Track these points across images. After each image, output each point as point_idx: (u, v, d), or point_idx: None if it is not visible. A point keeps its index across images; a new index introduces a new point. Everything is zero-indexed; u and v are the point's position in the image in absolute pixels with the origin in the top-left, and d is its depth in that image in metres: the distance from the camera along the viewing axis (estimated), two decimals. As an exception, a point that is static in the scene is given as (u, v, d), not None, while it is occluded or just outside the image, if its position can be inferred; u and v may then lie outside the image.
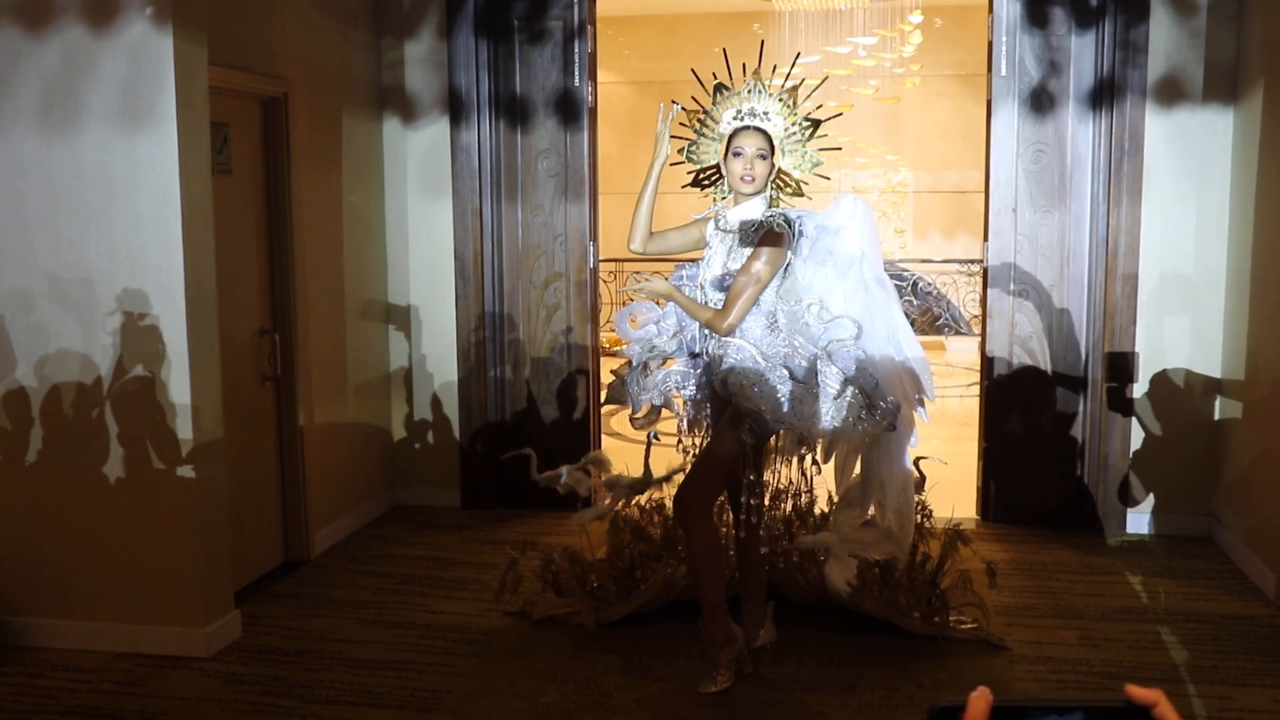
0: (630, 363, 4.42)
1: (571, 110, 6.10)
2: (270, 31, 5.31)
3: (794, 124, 4.10)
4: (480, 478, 6.36)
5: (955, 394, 9.00)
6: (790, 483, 4.53)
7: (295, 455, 5.51)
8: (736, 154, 3.99)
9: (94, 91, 4.39)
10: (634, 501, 4.86)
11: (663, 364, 4.36)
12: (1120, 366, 5.78)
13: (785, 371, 3.93)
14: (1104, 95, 5.65)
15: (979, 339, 6.24)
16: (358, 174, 6.13)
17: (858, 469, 4.08)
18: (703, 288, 4.08)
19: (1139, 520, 5.89)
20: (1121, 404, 5.80)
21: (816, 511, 4.79)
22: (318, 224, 5.68)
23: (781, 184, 4.15)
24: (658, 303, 4.35)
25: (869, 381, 3.88)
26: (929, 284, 9.84)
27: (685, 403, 4.41)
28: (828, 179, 4.22)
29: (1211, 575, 5.31)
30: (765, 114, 4.06)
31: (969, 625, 4.58)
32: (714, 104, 4.15)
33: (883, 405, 3.87)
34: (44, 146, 4.44)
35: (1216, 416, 5.74)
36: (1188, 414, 5.81)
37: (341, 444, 5.95)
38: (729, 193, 4.13)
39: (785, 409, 3.89)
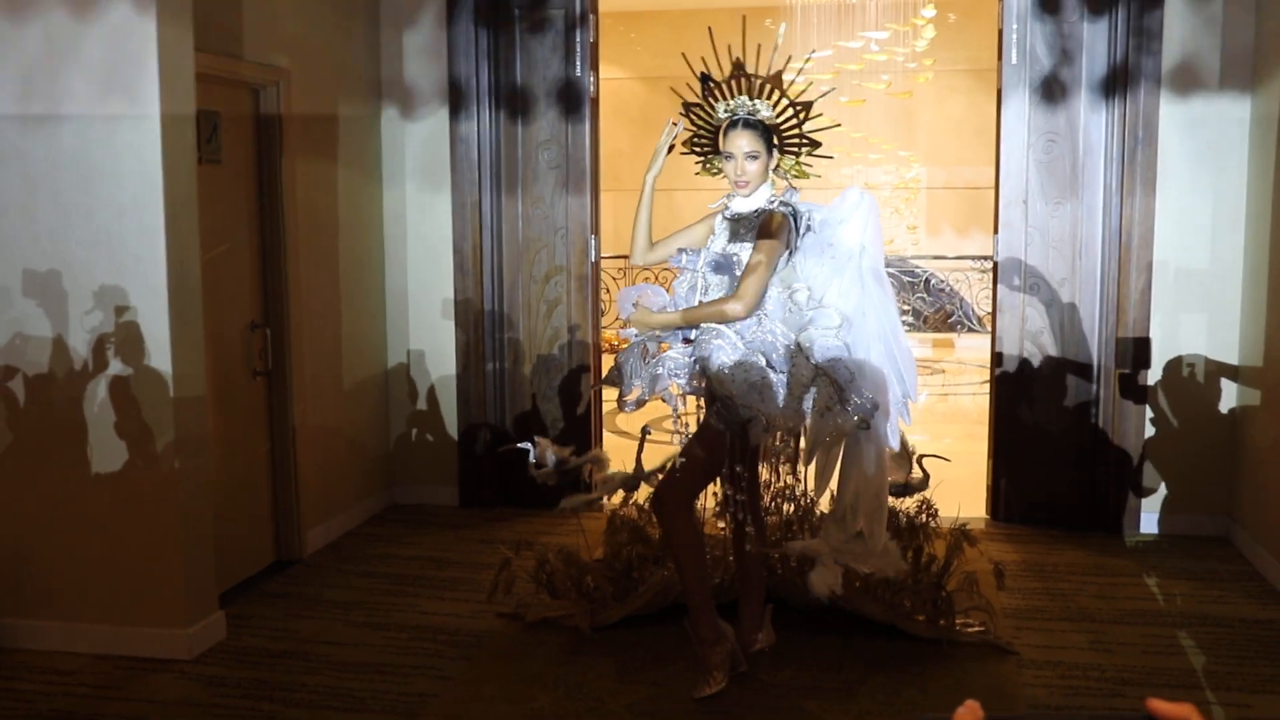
0: (629, 343, 4.25)
1: (573, 101, 5.92)
2: (263, 18, 5.13)
3: (785, 109, 3.93)
4: (479, 476, 6.17)
5: (968, 391, 8.79)
6: (788, 485, 4.37)
7: (287, 452, 5.34)
8: (728, 157, 3.86)
9: (76, 76, 4.23)
10: (631, 501, 4.66)
11: (659, 348, 4.20)
12: (1134, 362, 5.56)
13: (761, 358, 3.76)
14: (1117, 83, 5.42)
15: (991, 335, 6.03)
16: (354, 165, 5.95)
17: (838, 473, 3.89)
18: (704, 275, 3.94)
19: (1153, 520, 5.66)
20: (1135, 400, 5.58)
21: (817, 514, 4.60)
22: (312, 216, 5.50)
23: (789, 165, 4.01)
24: (668, 289, 4.16)
25: (844, 374, 3.69)
26: (942, 281, 9.62)
27: (680, 393, 4.24)
28: (819, 176, 4.05)
29: (1228, 577, 5.09)
30: (754, 105, 3.90)
31: (975, 629, 4.38)
32: (702, 95, 4.03)
33: (856, 400, 3.67)
34: (21, 134, 4.28)
35: (1233, 412, 5.52)
36: (1204, 410, 5.58)
37: (336, 441, 5.78)
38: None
39: (754, 395, 3.71)
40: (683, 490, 3.95)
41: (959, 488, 5.95)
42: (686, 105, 4.10)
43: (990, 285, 6.17)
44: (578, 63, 5.85)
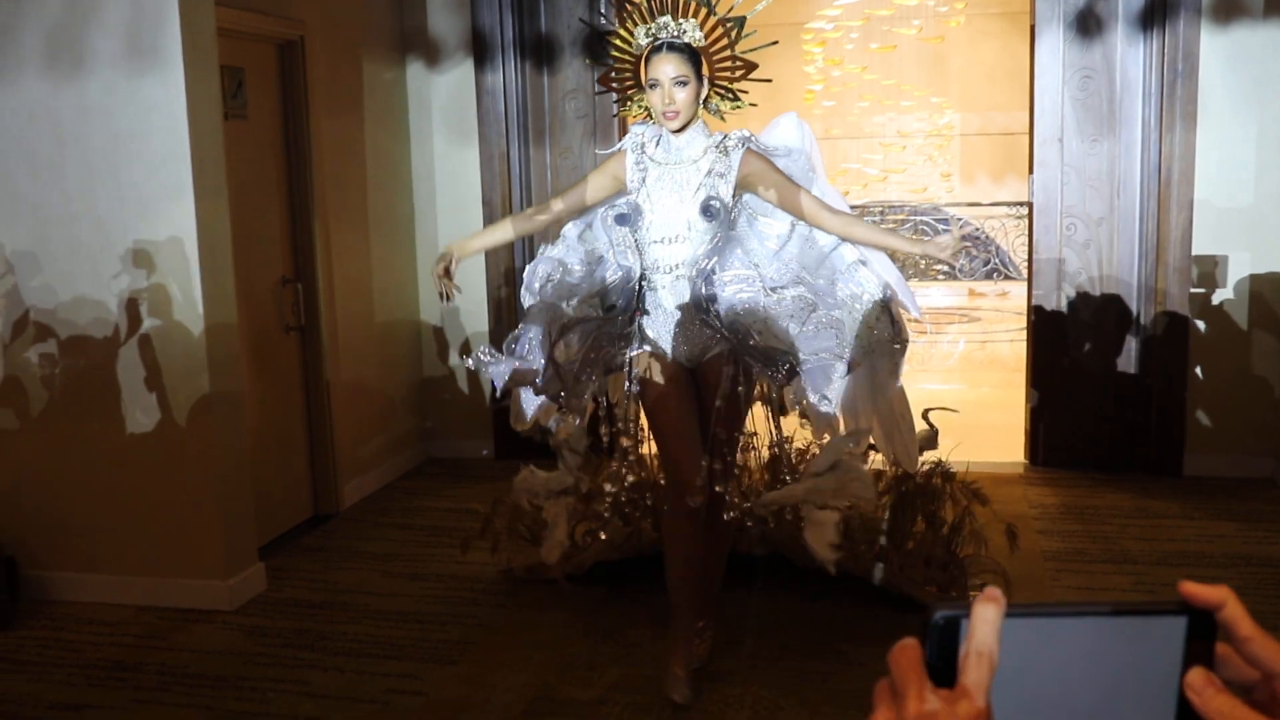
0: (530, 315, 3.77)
1: (599, 49, 5.83)
2: None
3: (714, 29, 3.50)
4: (514, 429, 6.15)
5: (1006, 339, 8.67)
6: (756, 433, 4.10)
7: (322, 407, 5.34)
8: (652, 85, 3.40)
9: (99, 35, 4.23)
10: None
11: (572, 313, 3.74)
12: (1175, 301, 5.44)
13: (807, 298, 3.51)
14: (1155, 14, 5.26)
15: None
16: (380, 119, 5.92)
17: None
18: (688, 223, 3.50)
19: (1197, 461, 5.55)
20: (1178, 340, 5.47)
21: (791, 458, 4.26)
22: (340, 170, 5.48)
23: (720, 94, 3.57)
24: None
25: (887, 293, 3.54)
26: (977, 228, 9.49)
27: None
28: (754, 105, 3.60)
29: (1274, 518, 4.99)
30: (680, 26, 3.44)
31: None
32: (620, 22, 3.61)
33: (895, 321, 3.53)
34: (51, 92, 4.29)
35: (1278, 352, 5.40)
36: (1248, 350, 5.46)
37: (370, 395, 5.78)
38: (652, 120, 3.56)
39: (829, 339, 3.46)
40: (728, 467, 3.65)
41: (997, 434, 5.90)
42: (598, 33, 3.82)
43: (1026, 231, 6.05)
44: (603, 9, 5.77)
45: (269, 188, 5.10)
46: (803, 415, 3.67)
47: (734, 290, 3.47)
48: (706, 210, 3.44)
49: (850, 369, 3.53)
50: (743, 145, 3.49)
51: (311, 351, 5.30)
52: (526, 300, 3.79)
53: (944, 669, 0.63)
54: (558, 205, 3.73)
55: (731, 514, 3.70)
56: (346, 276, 5.53)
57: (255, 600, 4.45)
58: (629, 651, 3.88)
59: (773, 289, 3.53)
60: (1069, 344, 5.62)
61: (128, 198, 4.28)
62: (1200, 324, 5.48)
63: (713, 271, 3.47)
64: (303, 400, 5.31)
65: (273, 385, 5.10)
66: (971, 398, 7.03)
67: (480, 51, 5.92)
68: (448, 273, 3.73)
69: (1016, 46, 8.45)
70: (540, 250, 3.85)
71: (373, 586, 4.56)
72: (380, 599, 4.43)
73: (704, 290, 3.47)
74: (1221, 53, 5.27)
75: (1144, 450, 5.57)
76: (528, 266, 3.81)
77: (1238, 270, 5.41)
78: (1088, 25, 5.37)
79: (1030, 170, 5.59)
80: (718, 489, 3.55)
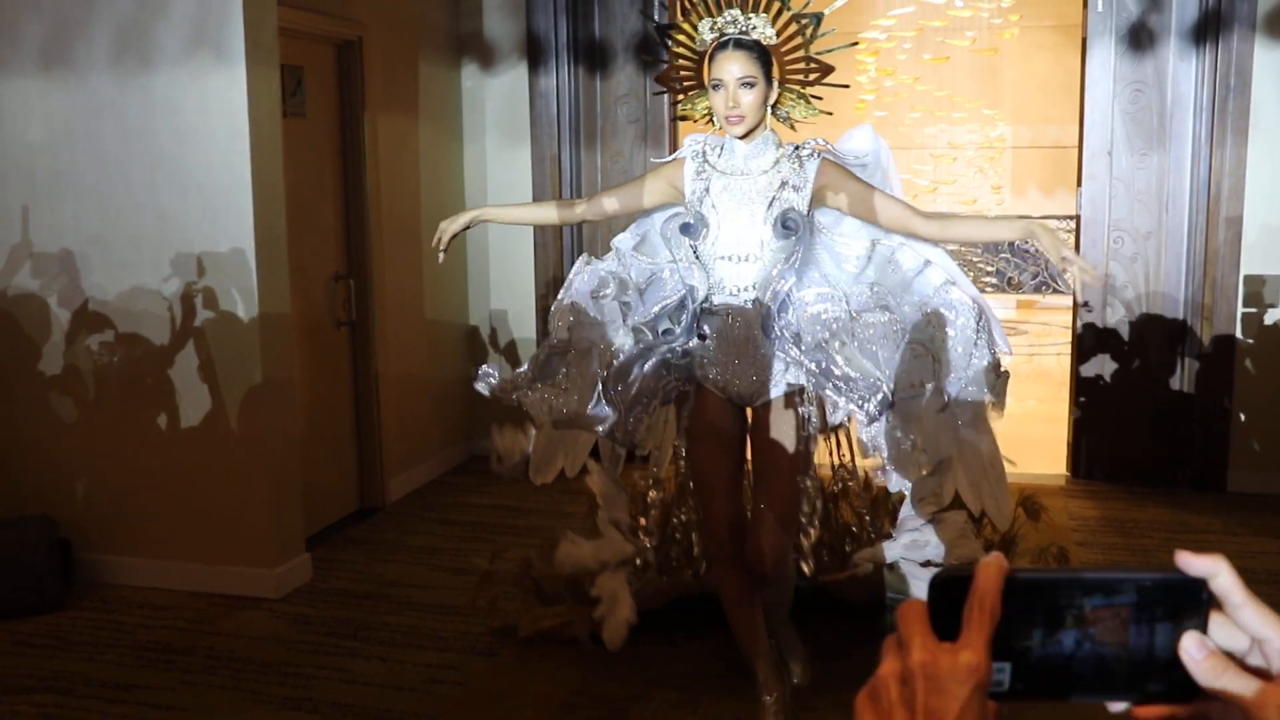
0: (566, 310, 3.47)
1: (651, 55, 5.89)
2: None
3: (788, 25, 3.17)
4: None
5: (1053, 352, 8.63)
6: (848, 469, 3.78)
7: (370, 401, 5.44)
8: (715, 86, 3.07)
9: (165, 32, 4.35)
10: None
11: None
12: (1222, 317, 5.42)
13: (896, 322, 3.17)
14: (1208, 29, 5.24)
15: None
16: (435, 120, 6.02)
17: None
18: (763, 241, 3.14)
19: (1241, 478, 5.50)
20: (1224, 356, 5.43)
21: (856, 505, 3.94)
22: (394, 169, 5.58)
23: (792, 100, 3.26)
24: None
25: (982, 320, 3.15)
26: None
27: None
28: (829, 114, 3.27)
29: (1318, 536, 4.95)
30: (749, 21, 3.11)
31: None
32: (686, 18, 3.28)
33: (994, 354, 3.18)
34: (118, 88, 4.42)
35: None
36: (1295, 368, 5.41)
37: (418, 391, 5.86)
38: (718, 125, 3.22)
39: (905, 374, 3.13)
40: (793, 533, 3.30)
41: (1040, 446, 5.87)
42: (661, 28, 3.50)
43: (1074, 244, 6.03)
44: (655, 15, 5.82)
45: (324, 184, 5.21)
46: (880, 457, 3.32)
47: (816, 309, 3.14)
48: (785, 225, 3.08)
49: (946, 405, 3.17)
50: (818, 154, 3.16)
51: (361, 347, 5.40)
52: (558, 320, 3.48)
53: (948, 625, 0.67)
54: (610, 203, 3.42)
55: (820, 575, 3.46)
56: (397, 274, 5.62)
57: (301, 589, 4.54)
58: (671, 647, 3.92)
59: (857, 312, 3.18)
60: (1113, 357, 5.60)
61: (188, 190, 4.39)
62: (1248, 340, 5.44)
63: (789, 294, 3.13)
64: (351, 395, 5.41)
65: (323, 379, 5.19)
66: (1017, 410, 6.99)
67: (534, 55, 6.00)
68: (454, 235, 3.51)
69: (1069, 59, 8.43)
70: (580, 262, 3.55)
71: (416, 579, 4.63)
72: (424, 591, 4.50)
73: (778, 315, 3.12)
74: (1275, 68, 5.25)
75: (1187, 465, 5.54)
76: (572, 275, 3.50)
77: (1287, 287, 5.37)
78: (1140, 39, 5.36)
79: (1079, 183, 5.58)
80: (769, 552, 3.14)
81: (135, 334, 4.54)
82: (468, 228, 3.52)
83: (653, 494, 3.65)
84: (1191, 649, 0.67)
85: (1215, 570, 0.66)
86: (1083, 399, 5.71)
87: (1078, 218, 5.63)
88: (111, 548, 4.64)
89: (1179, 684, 0.68)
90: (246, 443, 4.49)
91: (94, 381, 4.61)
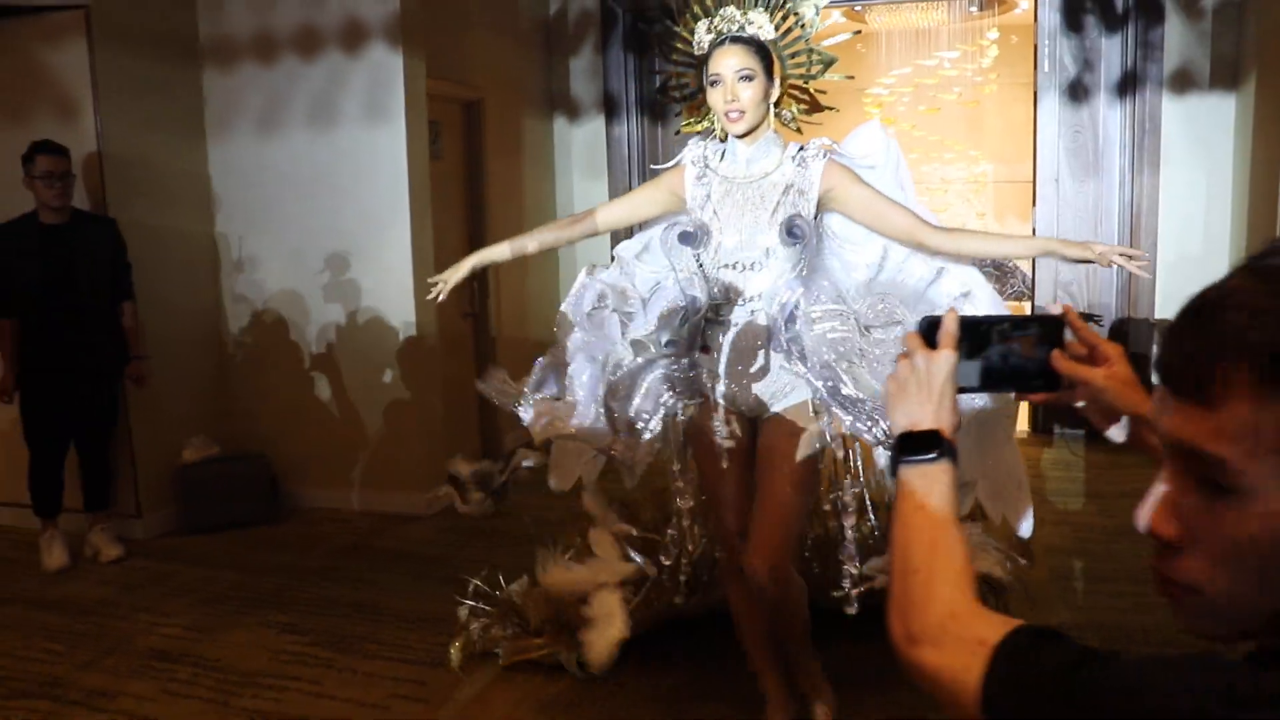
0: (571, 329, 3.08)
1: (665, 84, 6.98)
2: (468, 50, 6.19)
3: (785, 18, 2.82)
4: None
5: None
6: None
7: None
8: (714, 82, 2.72)
9: (346, 99, 5.36)
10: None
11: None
12: (1143, 312, 6.41)
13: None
14: (1128, 86, 6.20)
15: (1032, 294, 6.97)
16: (534, 161, 6.94)
17: None
18: (767, 250, 2.79)
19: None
20: (1144, 347, 6.38)
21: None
22: (504, 200, 6.51)
23: (793, 98, 2.90)
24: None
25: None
26: (1005, 258, 10.44)
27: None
28: (835, 110, 2.93)
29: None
30: (746, 17, 2.78)
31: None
32: (680, 23, 2.93)
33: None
34: (310, 141, 5.44)
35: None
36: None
37: (524, 370, 6.67)
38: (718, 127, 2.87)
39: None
40: (791, 549, 2.83)
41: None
42: (658, 36, 3.15)
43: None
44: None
45: (456, 211, 6.20)
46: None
47: (824, 328, 2.70)
48: (790, 232, 2.73)
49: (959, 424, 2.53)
50: (824, 155, 2.81)
51: (482, 332, 6.37)
52: (569, 334, 3.11)
53: (932, 343, 1.07)
54: (613, 215, 3.10)
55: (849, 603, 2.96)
56: (509, 278, 6.58)
57: (445, 511, 5.58)
58: (650, 675, 3.58)
59: (867, 328, 2.74)
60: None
61: (363, 217, 5.40)
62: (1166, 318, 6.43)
63: (796, 306, 2.73)
64: (474, 369, 6.18)
65: (454, 356, 6.11)
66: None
67: (610, 109, 7.02)
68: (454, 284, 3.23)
69: (1039, 108, 9.37)
70: (583, 273, 3.17)
71: (535, 511, 5.23)
72: (544, 511, 5.00)
73: (785, 328, 2.74)
74: (1178, 116, 6.16)
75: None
76: (575, 288, 3.14)
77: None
78: (1077, 93, 6.39)
79: (1034, 203, 6.70)
80: (762, 563, 2.78)
81: (321, 322, 5.58)
82: (471, 274, 3.23)
83: (679, 503, 3.23)
84: (1056, 357, 1.11)
85: (1064, 311, 1.16)
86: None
87: (1034, 229, 6.72)
88: (305, 482, 5.68)
89: (1051, 379, 1.09)
90: (402, 404, 5.50)
91: (292, 358, 5.64)
